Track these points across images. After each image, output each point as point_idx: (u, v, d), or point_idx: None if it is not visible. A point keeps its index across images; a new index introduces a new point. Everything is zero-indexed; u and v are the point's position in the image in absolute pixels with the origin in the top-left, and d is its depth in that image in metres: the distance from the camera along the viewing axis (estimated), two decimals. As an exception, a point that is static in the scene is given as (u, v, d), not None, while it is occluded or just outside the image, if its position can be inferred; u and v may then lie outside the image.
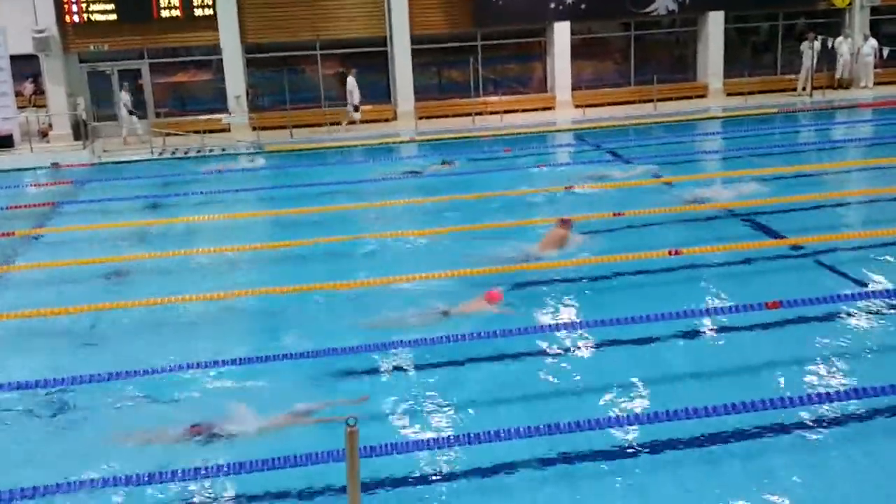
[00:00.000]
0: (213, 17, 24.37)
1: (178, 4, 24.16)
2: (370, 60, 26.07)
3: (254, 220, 15.30)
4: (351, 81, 24.28)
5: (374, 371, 8.54)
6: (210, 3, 24.27)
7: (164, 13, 24.17)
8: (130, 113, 24.13)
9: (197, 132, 23.26)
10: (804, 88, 25.59)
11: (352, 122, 24.41)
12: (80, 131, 23.45)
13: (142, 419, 7.74)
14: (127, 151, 22.32)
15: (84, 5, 23.87)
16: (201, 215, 15.32)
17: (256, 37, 25.05)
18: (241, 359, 8.62)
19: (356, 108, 24.33)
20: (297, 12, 24.87)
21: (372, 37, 25.50)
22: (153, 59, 25.12)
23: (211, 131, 23.79)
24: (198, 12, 24.31)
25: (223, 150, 22.26)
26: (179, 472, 6.58)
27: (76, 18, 23.93)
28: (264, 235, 14.21)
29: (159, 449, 7.17)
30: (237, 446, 7.08)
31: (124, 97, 24.09)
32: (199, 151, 22.22)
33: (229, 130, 24.33)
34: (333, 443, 6.21)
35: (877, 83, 26.07)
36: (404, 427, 7.47)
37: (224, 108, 24.72)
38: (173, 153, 22.30)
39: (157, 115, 24.73)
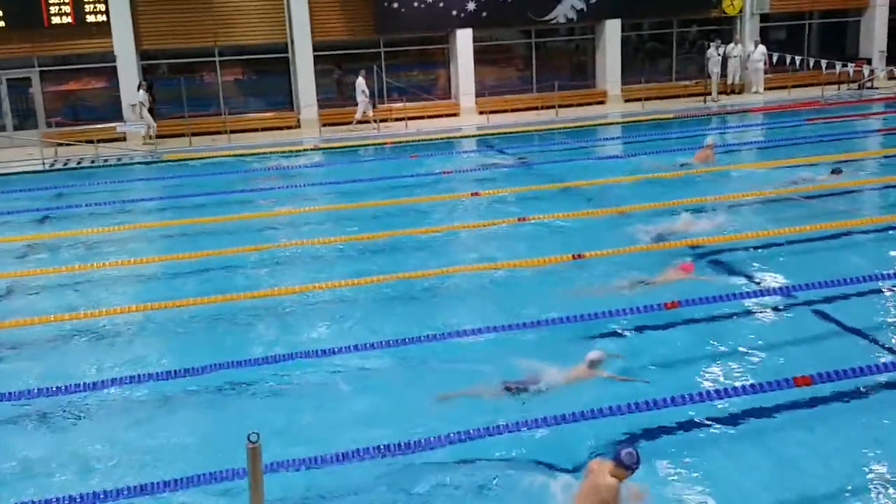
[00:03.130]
0: (107, 24, 23.62)
1: (69, 11, 23.33)
2: (271, 67, 25.75)
3: (157, 230, 14.88)
4: (360, 81, 24.22)
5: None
6: (103, 9, 23.51)
7: (55, 20, 23.30)
8: (150, 111, 23.49)
9: (90, 142, 22.49)
10: (719, 92, 26.37)
11: (365, 121, 24.54)
12: (-35, 142, 22.41)
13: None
14: (14, 164, 21.33)
15: (-31, 12, 22.83)
16: (95, 227, 14.80)
17: (152, 43, 24.39)
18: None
19: (374, 106, 24.51)
20: (194, 18, 24.31)
21: (273, 43, 25.14)
22: (44, 67, 24.18)
23: (105, 140, 23.01)
24: (90, 18, 23.53)
25: (118, 159, 21.59)
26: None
27: (-41, 25, 22.87)
28: (169, 247, 13.79)
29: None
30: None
31: (141, 96, 23.36)
32: (92, 162, 21.47)
33: (125, 139, 23.59)
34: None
35: (767, 88, 27.10)
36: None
37: (119, 117, 23.95)
38: (65, 164, 21.48)
39: (49, 124, 23.80)
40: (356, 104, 24.29)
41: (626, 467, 5.69)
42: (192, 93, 24.83)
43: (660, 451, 6.85)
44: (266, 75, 26.14)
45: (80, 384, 8.25)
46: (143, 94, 23.42)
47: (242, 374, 8.42)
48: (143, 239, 14.32)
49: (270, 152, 21.70)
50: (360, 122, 24.62)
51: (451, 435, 6.88)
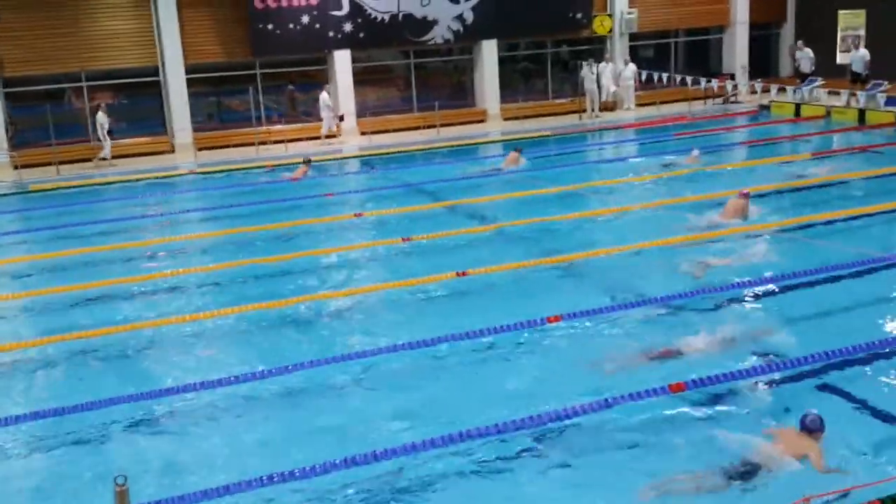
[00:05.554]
0: (-35, 50, 22.48)
1: (-77, 38, 22.09)
2: (143, 91, 24.98)
3: (22, 264, 14.12)
4: (324, 96, 24.35)
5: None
6: (-40, 35, 22.38)
7: None
8: (110, 133, 22.67)
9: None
10: (593, 110, 26.99)
11: (331, 136, 24.88)
12: None
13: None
14: None
15: None
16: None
17: (15, 70, 23.29)
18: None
19: (341, 119, 24.76)
20: (60, 43, 23.32)
21: (143, 66, 24.40)
22: None
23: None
24: (-54, 45, 22.37)
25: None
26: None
27: None
28: (37, 281, 13.09)
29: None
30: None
31: (101, 118, 22.44)
32: (-48, 194, 20.30)
33: (-9, 170, 22.45)
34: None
35: (637, 104, 28.03)
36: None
37: (-18, 147, 22.74)
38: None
39: None
40: (233, 127, 23.82)
41: (813, 431, 6.59)
42: (58, 119, 23.70)
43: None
44: (138, 100, 25.35)
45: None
46: (101, 116, 22.59)
47: (116, 412, 8.03)
48: (6, 274, 13.57)
49: (142, 178, 20.99)
50: (327, 136, 24.81)
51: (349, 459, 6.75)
